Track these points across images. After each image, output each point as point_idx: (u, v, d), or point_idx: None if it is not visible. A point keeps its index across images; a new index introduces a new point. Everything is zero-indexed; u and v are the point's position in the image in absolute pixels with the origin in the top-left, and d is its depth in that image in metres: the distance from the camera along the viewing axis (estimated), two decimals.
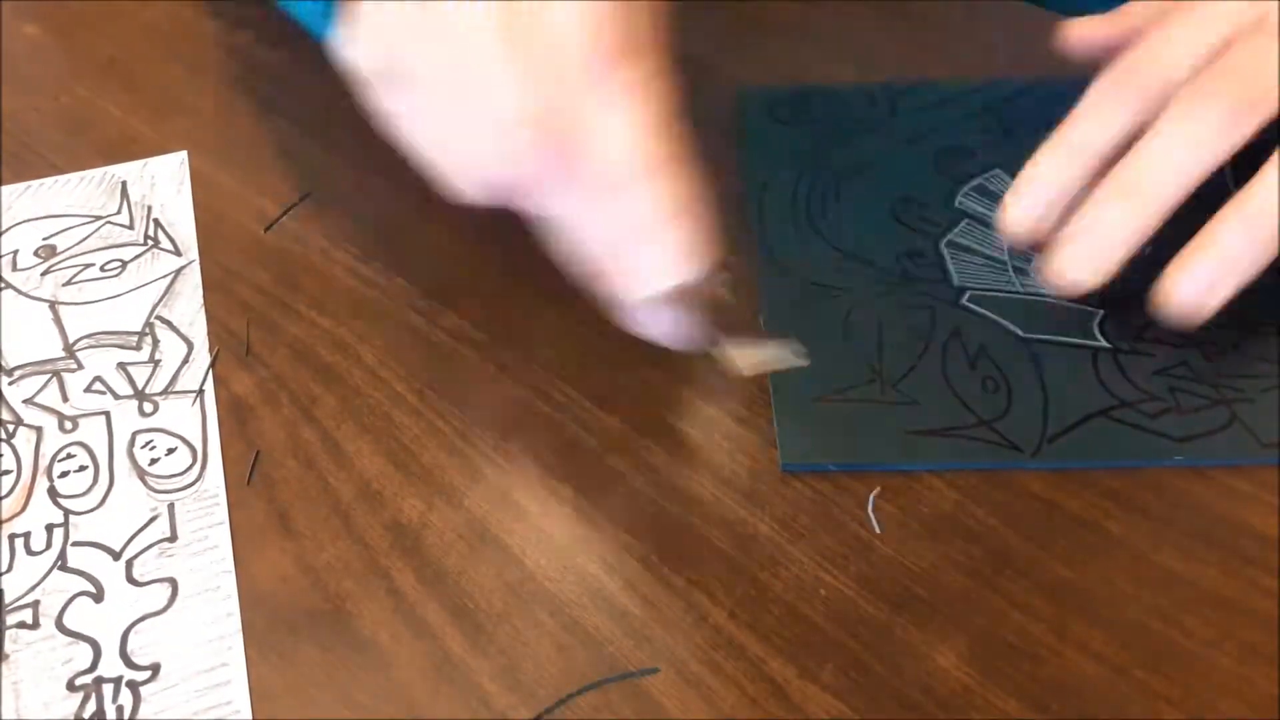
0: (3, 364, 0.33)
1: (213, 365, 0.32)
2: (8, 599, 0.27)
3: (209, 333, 0.33)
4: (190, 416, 0.31)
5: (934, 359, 0.31)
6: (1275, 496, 0.28)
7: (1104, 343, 0.31)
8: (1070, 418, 0.29)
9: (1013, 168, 0.31)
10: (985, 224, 0.34)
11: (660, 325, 0.28)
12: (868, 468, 0.29)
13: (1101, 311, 0.31)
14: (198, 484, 0.29)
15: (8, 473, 0.30)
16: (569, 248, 0.27)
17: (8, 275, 0.36)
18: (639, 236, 0.26)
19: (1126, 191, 0.29)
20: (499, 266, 0.35)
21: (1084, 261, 0.29)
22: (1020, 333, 0.31)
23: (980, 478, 0.29)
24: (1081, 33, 0.34)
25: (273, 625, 0.26)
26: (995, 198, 0.33)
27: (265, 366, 0.32)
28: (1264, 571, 0.26)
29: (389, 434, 0.30)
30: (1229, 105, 0.28)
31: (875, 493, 0.28)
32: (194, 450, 0.30)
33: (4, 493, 0.29)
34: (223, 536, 0.28)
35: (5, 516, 0.29)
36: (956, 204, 0.35)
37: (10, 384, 0.32)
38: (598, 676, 0.25)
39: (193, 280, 0.35)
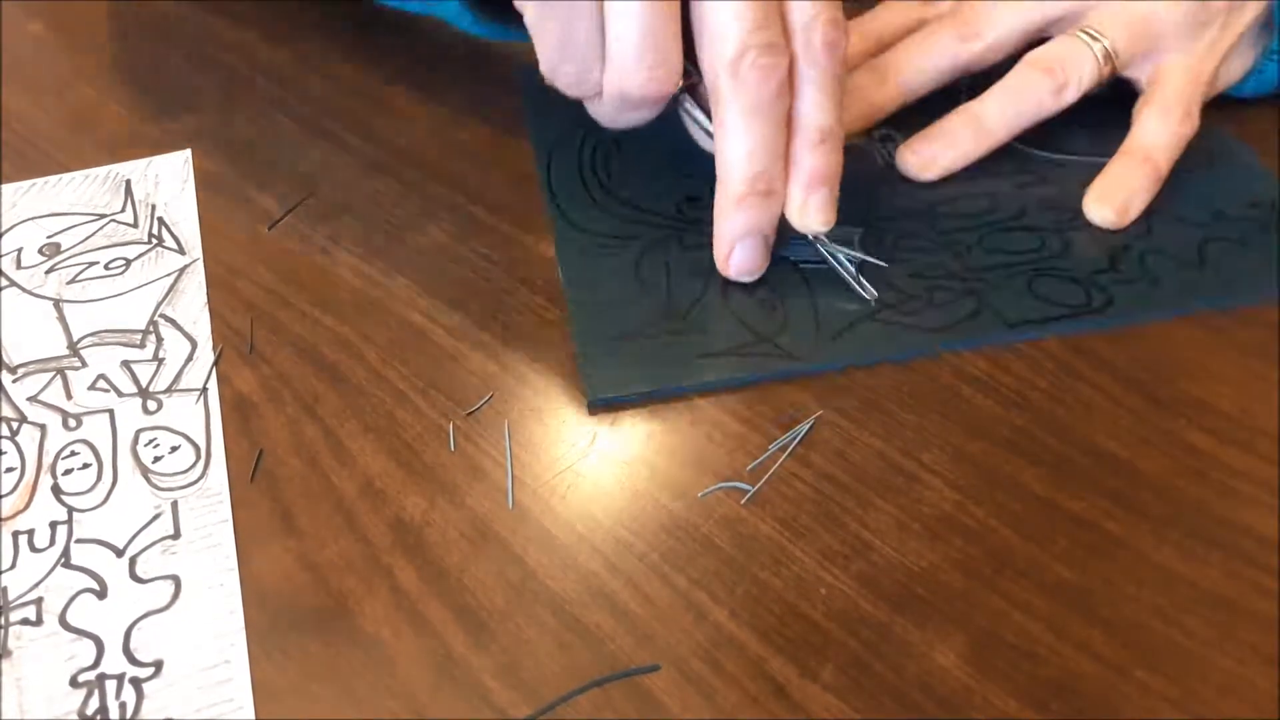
0: (7, 361, 0.33)
1: (216, 363, 0.33)
2: (11, 596, 0.27)
3: (212, 331, 0.34)
4: (194, 414, 0.31)
5: (716, 291, 0.34)
6: (1275, 497, 0.28)
7: (865, 256, 0.34)
8: (840, 325, 0.33)
9: None
10: None
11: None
12: (669, 392, 0.31)
13: (861, 229, 0.35)
14: (201, 482, 0.29)
15: (11, 470, 0.30)
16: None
17: (12, 273, 0.36)
18: None
19: (875, 68, 0.40)
20: (500, 266, 0.36)
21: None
22: (791, 257, 0.35)
23: (980, 478, 0.29)
24: None
25: (275, 622, 0.26)
26: None
27: (268, 365, 0.33)
28: (1264, 572, 0.26)
29: (391, 432, 0.30)
30: (950, 34, 0.39)
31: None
32: (197, 448, 0.30)
33: (8, 490, 0.29)
34: (226, 534, 0.28)
35: (9, 514, 0.29)
36: None
37: (14, 381, 0.32)
38: (599, 674, 0.25)
39: (196, 278, 0.35)
